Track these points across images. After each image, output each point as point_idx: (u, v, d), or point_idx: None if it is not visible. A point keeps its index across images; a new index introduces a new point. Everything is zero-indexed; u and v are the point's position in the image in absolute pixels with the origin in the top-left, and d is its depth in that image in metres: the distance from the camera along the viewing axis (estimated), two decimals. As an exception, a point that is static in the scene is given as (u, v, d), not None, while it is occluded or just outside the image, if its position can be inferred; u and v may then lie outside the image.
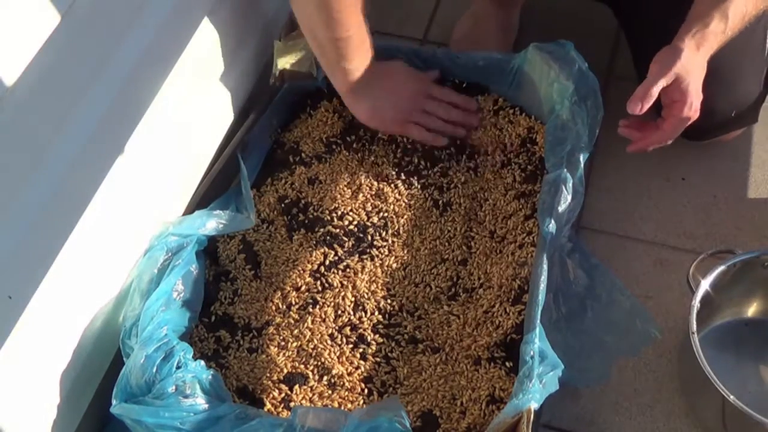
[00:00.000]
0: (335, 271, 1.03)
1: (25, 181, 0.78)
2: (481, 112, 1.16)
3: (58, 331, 0.87)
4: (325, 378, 0.95)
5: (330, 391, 0.94)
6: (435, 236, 1.07)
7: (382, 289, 1.02)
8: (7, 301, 0.77)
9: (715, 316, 1.04)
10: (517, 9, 1.36)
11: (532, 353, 0.86)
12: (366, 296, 1.01)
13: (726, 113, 1.15)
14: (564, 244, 1.00)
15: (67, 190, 0.83)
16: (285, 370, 0.95)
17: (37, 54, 0.77)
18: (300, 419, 0.83)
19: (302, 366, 0.96)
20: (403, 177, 1.11)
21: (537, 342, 0.87)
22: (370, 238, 1.05)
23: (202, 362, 0.88)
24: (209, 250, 1.04)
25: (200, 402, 0.84)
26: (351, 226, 1.06)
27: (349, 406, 0.93)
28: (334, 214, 1.07)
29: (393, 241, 1.06)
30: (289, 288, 1.02)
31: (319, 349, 0.97)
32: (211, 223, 1.01)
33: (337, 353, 0.97)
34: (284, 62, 1.17)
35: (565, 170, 1.00)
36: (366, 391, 0.94)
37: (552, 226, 0.97)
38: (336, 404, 0.93)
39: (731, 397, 0.89)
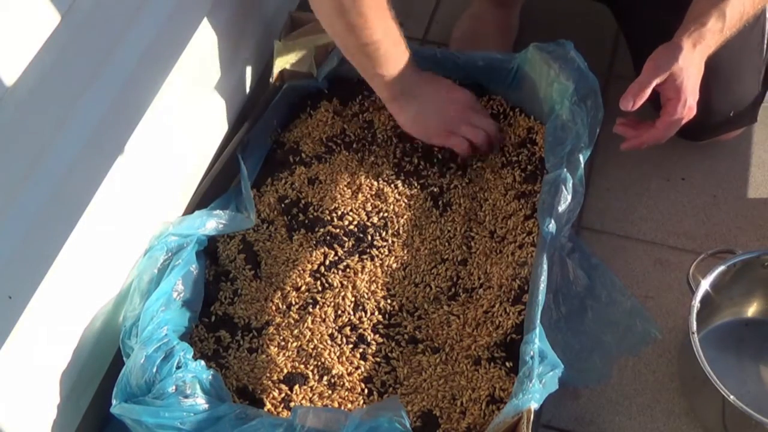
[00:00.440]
0: (335, 271, 1.03)
1: (25, 181, 0.78)
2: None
3: (58, 331, 0.86)
4: (325, 378, 0.95)
5: (330, 391, 0.94)
6: (435, 236, 1.07)
7: (382, 289, 1.02)
8: (7, 301, 0.77)
9: (715, 316, 1.04)
10: (516, 9, 1.36)
11: (532, 353, 0.86)
12: (366, 296, 1.01)
13: (724, 113, 1.15)
14: (564, 244, 0.99)
15: (67, 190, 0.83)
16: (285, 370, 0.95)
17: (37, 54, 0.77)
18: (300, 419, 0.83)
19: (302, 366, 0.96)
20: (403, 177, 1.11)
21: (537, 342, 0.87)
22: (370, 238, 1.05)
23: (202, 362, 0.88)
24: (209, 250, 1.04)
25: (200, 402, 0.84)
26: (351, 226, 1.06)
27: (349, 406, 0.93)
28: (334, 214, 1.07)
29: (393, 241, 1.06)
30: (289, 288, 1.02)
31: (319, 349, 0.97)
32: (211, 223, 1.01)
33: (337, 353, 0.97)
34: (284, 62, 1.17)
35: (565, 170, 1.00)
36: (366, 391, 0.94)
37: (552, 226, 0.97)
38: (336, 404, 0.93)
39: (731, 397, 0.89)
